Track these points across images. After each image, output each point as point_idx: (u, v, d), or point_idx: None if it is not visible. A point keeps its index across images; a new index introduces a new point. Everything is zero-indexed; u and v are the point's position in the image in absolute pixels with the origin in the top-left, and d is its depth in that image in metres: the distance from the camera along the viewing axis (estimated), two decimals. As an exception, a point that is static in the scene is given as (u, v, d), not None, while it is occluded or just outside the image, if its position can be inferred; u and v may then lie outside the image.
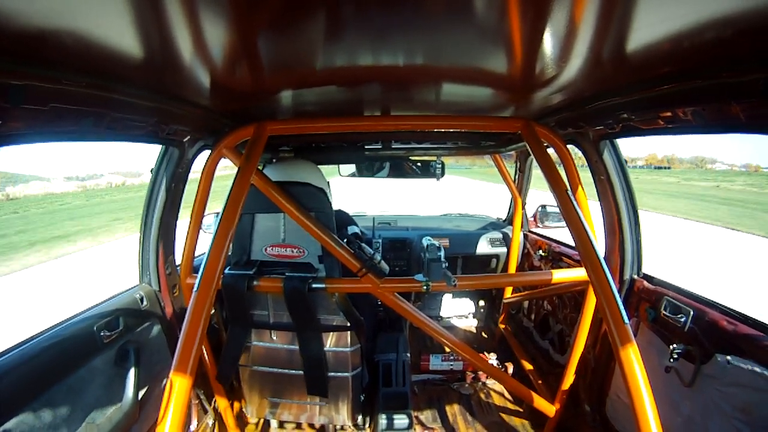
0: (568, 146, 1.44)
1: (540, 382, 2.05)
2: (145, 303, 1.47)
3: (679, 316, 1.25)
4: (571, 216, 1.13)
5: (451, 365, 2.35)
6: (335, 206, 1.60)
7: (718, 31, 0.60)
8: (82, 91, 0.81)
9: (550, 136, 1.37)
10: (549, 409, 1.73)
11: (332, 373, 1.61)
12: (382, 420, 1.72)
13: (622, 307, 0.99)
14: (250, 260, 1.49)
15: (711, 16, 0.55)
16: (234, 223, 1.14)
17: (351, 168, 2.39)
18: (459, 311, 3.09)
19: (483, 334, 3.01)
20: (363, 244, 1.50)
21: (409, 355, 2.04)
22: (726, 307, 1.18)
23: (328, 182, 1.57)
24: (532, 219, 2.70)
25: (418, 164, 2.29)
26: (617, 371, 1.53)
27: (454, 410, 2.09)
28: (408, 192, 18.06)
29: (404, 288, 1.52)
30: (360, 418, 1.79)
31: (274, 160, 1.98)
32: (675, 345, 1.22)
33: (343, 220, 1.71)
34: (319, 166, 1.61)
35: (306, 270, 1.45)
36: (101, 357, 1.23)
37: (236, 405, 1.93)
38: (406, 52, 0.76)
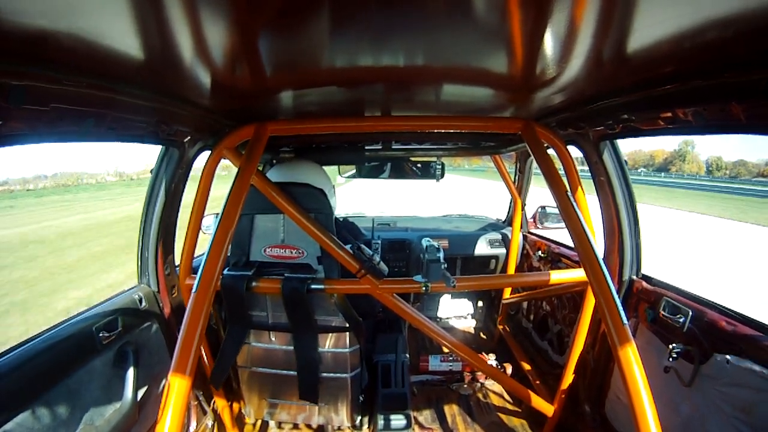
0: (568, 147, 1.44)
1: (539, 382, 2.05)
2: (143, 304, 1.47)
3: (677, 316, 1.25)
4: (570, 217, 1.14)
5: (450, 366, 2.35)
6: (341, 213, 1.59)
7: (718, 32, 0.60)
8: (83, 91, 0.81)
9: (550, 137, 1.37)
10: (548, 409, 1.73)
11: (331, 374, 1.61)
12: (381, 420, 1.72)
13: (621, 308, 0.99)
14: (249, 261, 1.49)
15: (711, 16, 0.55)
16: (233, 224, 1.14)
17: (352, 169, 2.39)
18: (458, 312, 3.09)
19: (482, 334, 3.02)
20: (362, 245, 1.50)
21: (408, 355, 2.04)
22: (725, 307, 1.18)
23: (333, 185, 1.56)
24: (532, 220, 2.70)
25: (419, 165, 2.29)
26: (616, 371, 1.53)
27: (453, 411, 2.09)
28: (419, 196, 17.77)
29: (403, 289, 1.51)
30: (359, 418, 1.78)
31: (274, 161, 1.98)
32: (674, 345, 1.22)
33: (350, 231, 1.68)
34: (322, 167, 1.61)
35: (305, 271, 1.45)
36: (100, 358, 1.23)
37: (235, 406, 1.92)
38: (406, 53, 0.76)
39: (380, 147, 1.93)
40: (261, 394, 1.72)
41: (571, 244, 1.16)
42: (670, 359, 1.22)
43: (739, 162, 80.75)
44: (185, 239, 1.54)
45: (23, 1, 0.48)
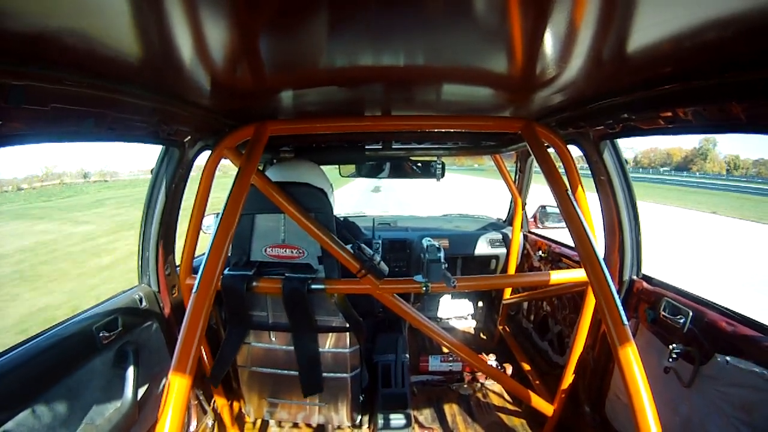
0: (569, 146, 1.44)
1: (539, 382, 2.05)
2: (144, 303, 1.47)
3: (678, 317, 1.25)
4: (571, 216, 1.13)
5: (451, 366, 2.35)
6: (340, 212, 1.59)
7: (718, 32, 0.60)
8: (83, 91, 0.81)
9: (551, 136, 1.37)
10: (548, 409, 1.73)
11: (331, 374, 1.61)
12: (381, 420, 1.72)
13: (621, 308, 0.99)
14: (249, 261, 1.49)
15: (712, 16, 0.55)
16: (234, 224, 1.14)
17: (352, 168, 2.39)
18: (458, 312, 3.09)
19: (482, 335, 3.01)
20: (362, 245, 1.50)
21: (408, 356, 2.04)
22: (725, 308, 1.18)
23: (331, 184, 1.56)
24: (532, 220, 2.70)
25: (419, 164, 2.29)
26: (616, 372, 1.53)
27: (453, 411, 2.09)
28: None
29: (404, 289, 1.51)
30: (359, 418, 1.79)
31: (274, 161, 1.98)
32: (674, 346, 1.22)
33: (350, 231, 1.69)
34: (320, 167, 1.61)
35: (305, 271, 1.45)
36: (100, 358, 1.23)
37: (235, 405, 1.93)
38: (407, 53, 0.76)
39: (380, 146, 1.93)
40: (261, 394, 1.72)
41: (572, 244, 1.16)
42: (670, 360, 1.22)
43: (759, 161, 75.82)
44: (186, 239, 1.54)
45: (23, 0, 0.48)
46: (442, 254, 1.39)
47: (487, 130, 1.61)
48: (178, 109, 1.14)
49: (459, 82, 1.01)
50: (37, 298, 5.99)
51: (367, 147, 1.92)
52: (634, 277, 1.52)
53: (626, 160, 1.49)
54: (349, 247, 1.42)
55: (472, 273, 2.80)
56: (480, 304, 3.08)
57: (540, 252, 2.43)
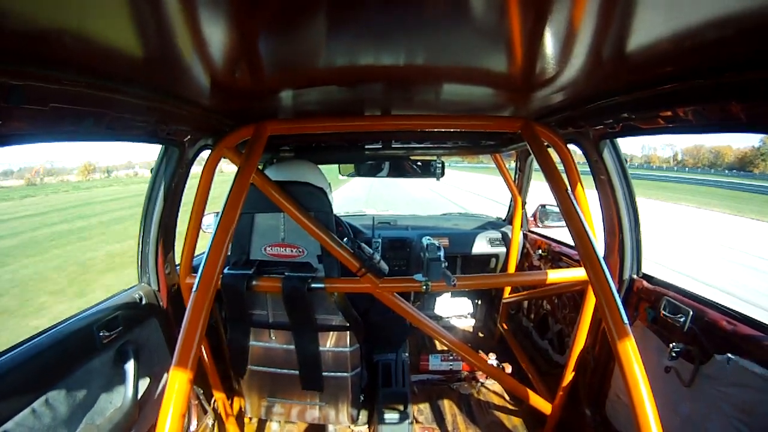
0: (569, 146, 1.44)
1: (539, 382, 2.05)
2: (144, 303, 1.47)
3: (678, 316, 1.25)
4: (571, 215, 1.13)
5: (451, 365, 2.35)
6: (339, 212, 1.59)
7: (719, 31, 0.60)
8: (82, 91, 0.81)
9: (551, 136, 1.37)
10: (548, 408, 1.73)
11: (332, 373, 1.61)
12: (382, 420, 1.72)
13: (621, 307, 0.99)
14: (249, 260, 1.49)
15: (712, 16, 0.55)
16: (234, 223, 1.14)
17: (351, 168, 2.39)
18: (458, 311, 3.09)
19: (482, 334, 3.02)
20: (362, 244, 1.50)
21: (408, 355, 2.04)
22: (725, 307, 1.18)
23: (329, 183, 1.57)
24: (532, 218, 2.70)
25: (418, 164, 2.29)
26: (617, 371, 1.53)
27: (453, 410, 2.09)
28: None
29: (403, 288, 1.51)
30: (359, 417, 1.79)
31: (274, 161, 1.98)
32: (674, 345, 1.22)
33: (351, 230, 1.70)
34: (319, 166, 1.61)
35: (305, 270, 1.45)
36: (100, 357, 1.23)
37: (236, 405, 1.93)
38: (406, 52, 0.76)
39: (380, 146, 1.93)
40: (261, 393, 1.73)
41: (572, 243, 1.16)
42: (671, 359, 1.22)
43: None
44: (185, 238, 1.54)
45: (23, 0, 0.48)
46: (442, 253, 1.38)
47: (487, 129, 1.61)
48: (178, 108, 1.14)
49: (459, 82, 1.01)
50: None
51: (366, 146, 1.92)
52: (635, 276, 1.52)
53: (626, 159, 1.49)
54: (348, 246, 1.42)
55: (471, 272, 2.80)
56: (480, 302, 3.08)
57: (540, 251, 2.43)
